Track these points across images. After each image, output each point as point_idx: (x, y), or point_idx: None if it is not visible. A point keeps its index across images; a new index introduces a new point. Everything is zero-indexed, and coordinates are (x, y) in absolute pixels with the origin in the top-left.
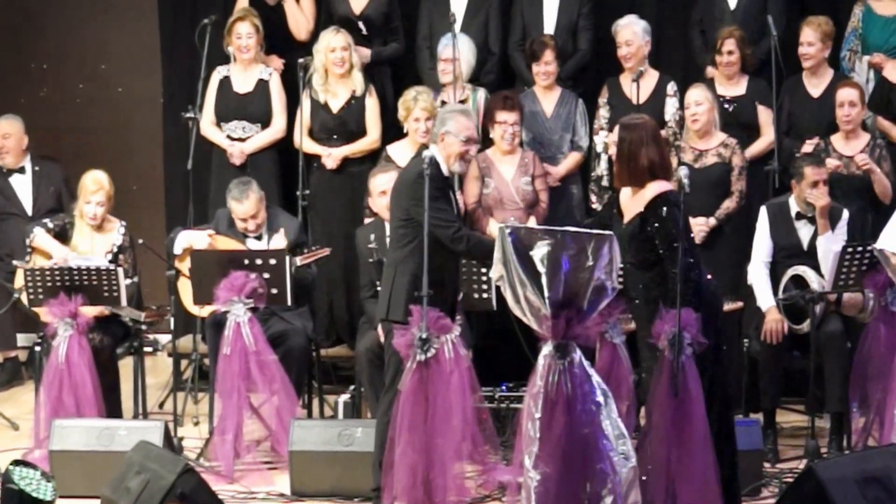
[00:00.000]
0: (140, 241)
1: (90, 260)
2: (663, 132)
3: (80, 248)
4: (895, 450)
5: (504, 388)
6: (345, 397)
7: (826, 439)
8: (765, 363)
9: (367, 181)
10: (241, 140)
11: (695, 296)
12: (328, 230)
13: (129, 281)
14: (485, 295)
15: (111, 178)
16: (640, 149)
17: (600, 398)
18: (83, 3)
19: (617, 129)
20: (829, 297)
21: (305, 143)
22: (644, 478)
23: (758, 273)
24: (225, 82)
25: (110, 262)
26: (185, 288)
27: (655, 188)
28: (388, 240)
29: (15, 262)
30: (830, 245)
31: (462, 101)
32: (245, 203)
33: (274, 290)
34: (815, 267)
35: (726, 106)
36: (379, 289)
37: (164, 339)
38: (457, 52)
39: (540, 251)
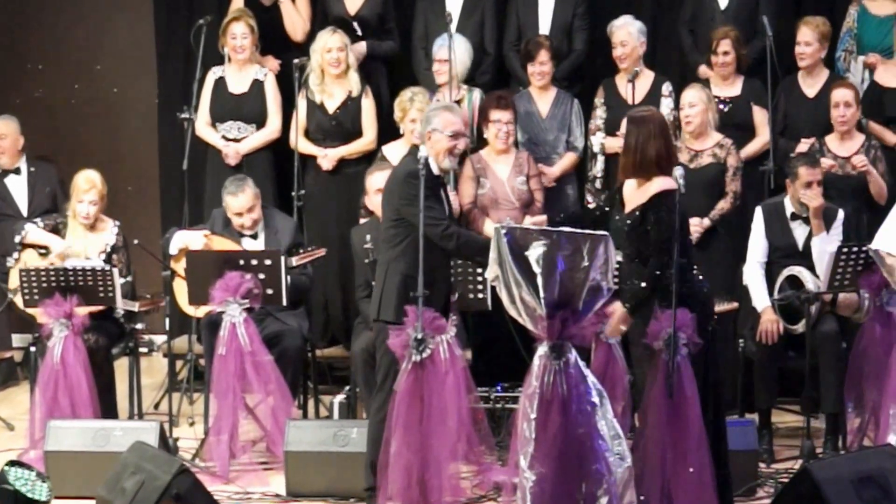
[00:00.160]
0: (135, 241)
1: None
2: None
3: (73, 247)
4: (891, 450)
5: (499, 388)
6: (340, 398)
7: (821, 440)
8: (760, 363)
9: (362, 182)
10: (237, 140)
11: (688, 296)
12: (324, 231)
13: (123, 280)
14: (480, 295)
15: (106, 178)
16: (648, 141)
17: (596, 398)
18: (78, 4)
19: (625, 122)
20: (825, 297)
21: (301, 144)
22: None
23: (753, 273)
24: (220, 83)
25: (104, 261)
26: (181, 288)
27: (660, 184)
28: None
29: (8, 261)
30: (825, 245)
31: (457, 102)
32: (240, 197)
33: (269, 291)
34: (811, 267)
35: (721, 106)
36: None
37: (160, 339)
38: (452, 53)
39: (535, 252)
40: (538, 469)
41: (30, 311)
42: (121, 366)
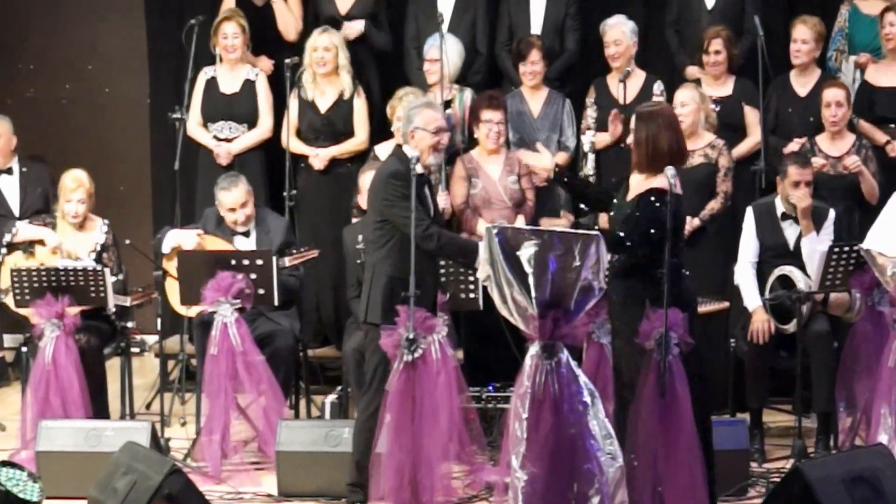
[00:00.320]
0: (127, 241)
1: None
2: None
3: (63, 247)
4: (882, 449)
5: (491, 388)
6: (332, 398)
7: (813, 439)
8: (751, 363)
9: (355, 182)
10: (228, 140)
11: (678, 296)
12: (316, 231)
13: (114, 278)
14: (472, 295)
15: (97, 179)
16: (659, 135)
17: (587, 398)
18: (70, 4)
19: (634, 118)
20: (816, 296)
21: (293, 144)
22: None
23: (744, 273)
24: (211, 83)
25: (94, 260)
26: (173, 288)
27: (662, 181)
28: None
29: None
30: (814, 245)
31: (448, 101)
32: (234, 191)
33: (261, 291)
34: (802, 267)
35: (712, 106)
36: None
37: (151, 339)
38: (444, 53)
39: (527, 252)
40: (530, 469)
41: (21, 311)
42: (112, 366)
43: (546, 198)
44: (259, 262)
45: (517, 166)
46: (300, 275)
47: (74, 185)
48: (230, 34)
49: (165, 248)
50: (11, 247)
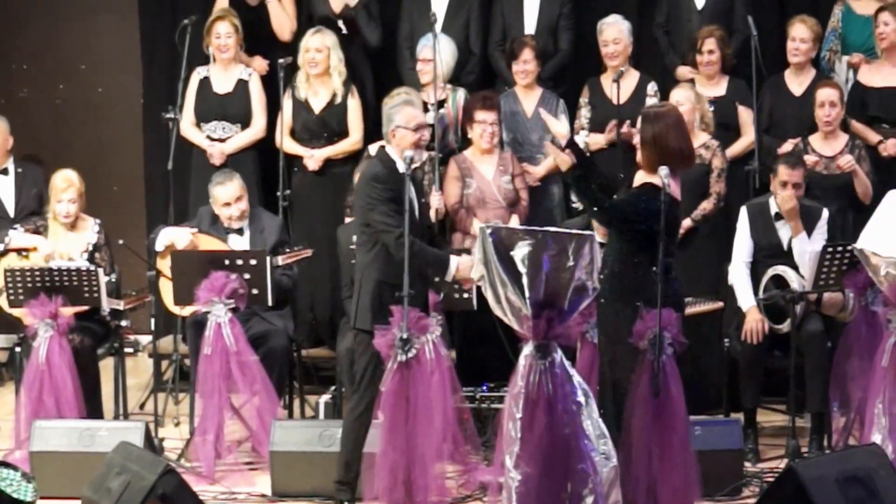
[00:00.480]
0: (120, 241)
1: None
2: None
3: (58, 249)
4: (876, 449)
5: (485, 388)
6: (326, 398)
7: (807, 439)
8: (745, 363)
9: (349, 182)
10: (221, 140)
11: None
12: (310, 232)
13: (108, 278)
14: (466, 295)
15: (91, 179)
16: (668, 134)
17: (581, 398)
18: (63, 4)
19: (640, 118)
20: (810, 296)
21: (287, 144)
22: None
23: (738, 273)
24: (205, 83)
25: (87, 260)
26: (166, 288)
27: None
28: None
29: None
30: (804, 246)
31: (442, 101)
32: (229, 186)
33: (255, 291)
34: (795, 267)
35: (708, 107)
36: None
37: (145, 339)
38: (437, 54)
39: (521, 252)
40: (524, 469)
41: (15, 311)
42: (106, 366)
43: (540, 198)
44: (253, 262)
45: (510, 166)
46: (294, 274)
47: (65, 185)
48: (223, 34)
49: (159, 246)
50: (3, 253)
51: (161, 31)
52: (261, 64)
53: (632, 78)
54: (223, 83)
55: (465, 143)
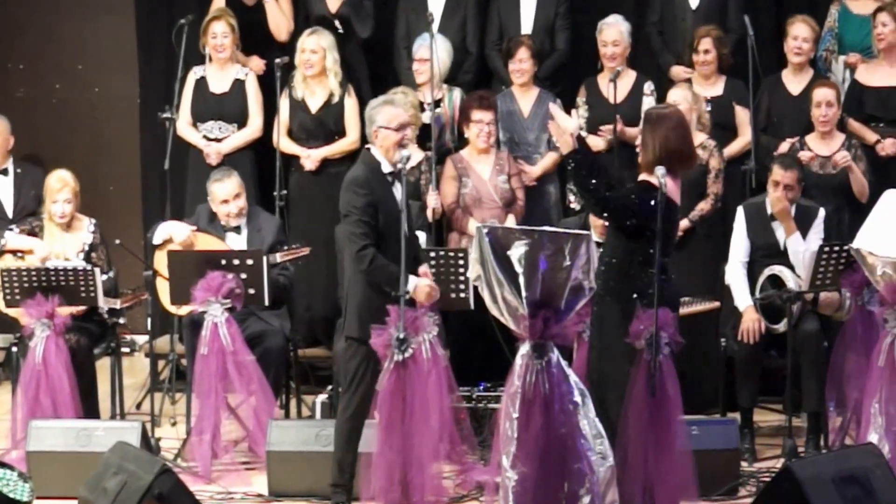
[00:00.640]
0: (117, 241)
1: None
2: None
3: (54, 250)
4: (872, 449)
5: (482, 387)
6: (322, 397)
7: (803, 438)
8: (742, 363)
9: None
10: (218, 140)
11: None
12: (307, 232)
13: (105, 276)
14: (462, 294)
15: (87, 179)
16: (669, 136)
17: (578, 398)
18: (60, 4)
19: (642, 120)
20: (806, 296)
21: (284, 144)
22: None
23: (735, 273)
24: (201, 82)
25: (83, 260)
26: (163, 288)
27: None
28: None
29: None
30: (798, 246)
31: (438, 101)
32: (227, 183)
33: (251, 291)
34: (792, 267)
35: (705, 107)
36: None
37: (142, 339)
38: (434, 53)
39: (517, 251)
40: (520, 468)
41: (11, 311)
42: (103, 366)
43: (537, 197)
44: (249, 261)
45: (507, 166)
46: (290, 273)
47: (59, 185)
48: (219, 34)
49: (157, 240)
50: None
51: (158, 31)
52: (257, 64)
53: (628, 78)
54: (220, 83)
55: (462, 142)
